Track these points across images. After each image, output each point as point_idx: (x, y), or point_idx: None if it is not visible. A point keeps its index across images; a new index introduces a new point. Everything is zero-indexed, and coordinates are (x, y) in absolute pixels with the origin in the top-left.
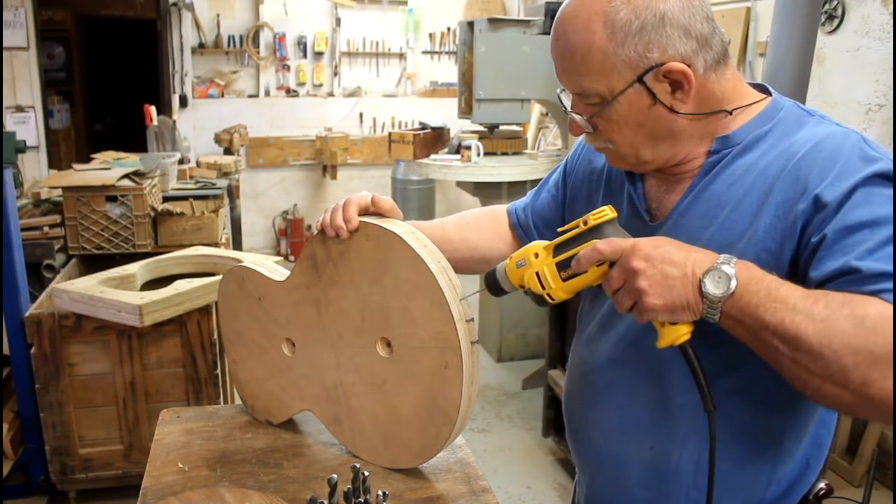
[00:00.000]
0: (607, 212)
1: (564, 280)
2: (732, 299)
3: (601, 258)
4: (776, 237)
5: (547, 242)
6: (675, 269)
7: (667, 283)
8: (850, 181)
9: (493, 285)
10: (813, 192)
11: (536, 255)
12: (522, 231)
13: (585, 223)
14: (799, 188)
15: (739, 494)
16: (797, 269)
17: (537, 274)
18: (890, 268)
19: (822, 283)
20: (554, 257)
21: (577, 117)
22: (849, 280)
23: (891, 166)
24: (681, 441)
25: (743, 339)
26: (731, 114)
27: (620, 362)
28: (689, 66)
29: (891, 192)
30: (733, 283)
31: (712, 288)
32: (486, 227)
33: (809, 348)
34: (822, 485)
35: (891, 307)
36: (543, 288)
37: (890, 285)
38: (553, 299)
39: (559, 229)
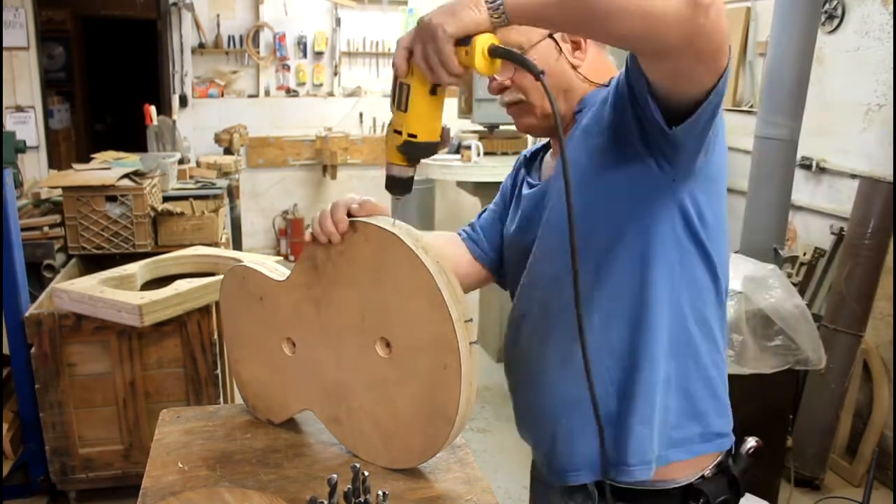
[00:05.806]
0: None
1: (405, 111)
2: None
3: (406, 47)
4: (605, 132)
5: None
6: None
7: (450, 8)
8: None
9: (394, 181)
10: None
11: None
12: (475, 244)
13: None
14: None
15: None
16: (647, 136)
17: (395, 131)
18: None
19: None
20: (396, 109)
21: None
22: None
23: None
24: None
25: (550, 15)
26: (607, 86)
27: (542, 300)
28: None
29: None
30: None
31: None
32: (450, 246)
33: None
34: (752, 443)
35: None
36: (410, 135)
37: None
38: (416, 136)
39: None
